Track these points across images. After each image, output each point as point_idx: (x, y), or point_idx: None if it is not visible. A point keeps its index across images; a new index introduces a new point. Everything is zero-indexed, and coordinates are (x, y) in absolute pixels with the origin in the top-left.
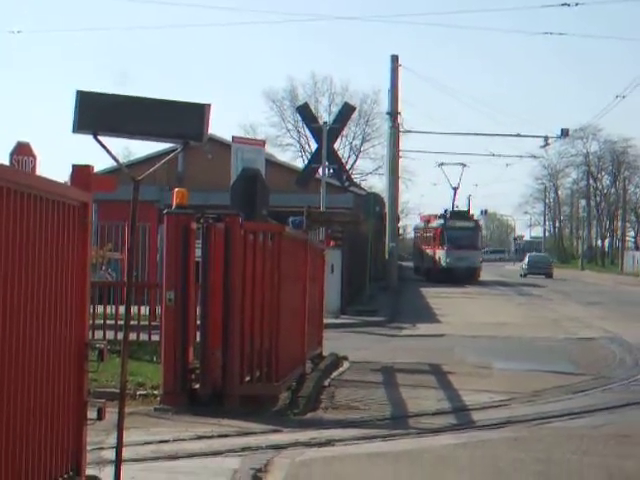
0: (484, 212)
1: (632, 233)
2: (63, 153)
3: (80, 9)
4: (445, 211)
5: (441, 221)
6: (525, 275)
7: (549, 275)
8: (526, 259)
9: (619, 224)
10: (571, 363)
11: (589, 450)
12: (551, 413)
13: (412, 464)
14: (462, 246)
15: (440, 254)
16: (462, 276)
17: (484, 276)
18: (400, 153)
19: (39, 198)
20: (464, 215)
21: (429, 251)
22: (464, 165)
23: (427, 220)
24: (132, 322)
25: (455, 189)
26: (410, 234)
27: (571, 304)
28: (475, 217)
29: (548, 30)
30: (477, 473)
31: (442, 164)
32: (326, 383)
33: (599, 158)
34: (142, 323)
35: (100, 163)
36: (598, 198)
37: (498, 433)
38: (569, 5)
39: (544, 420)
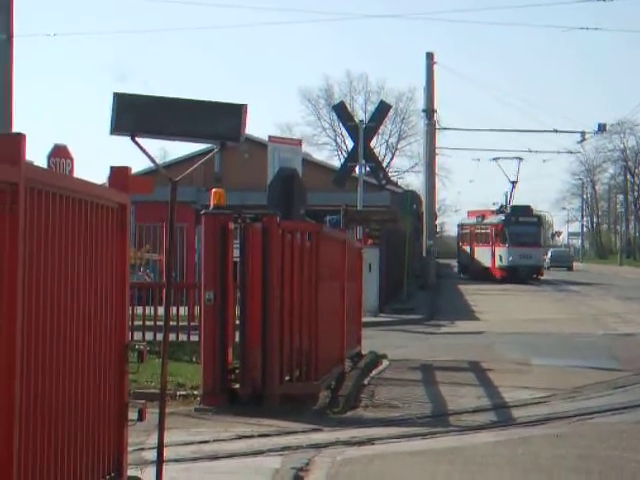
0: None
1: None
2: (99, 155)
3: (104, 12)
4: (502, 206)
5: (501, 217)
6: (548, 268)
7: (570, 268)
8: (549, 254)
9: None
10: (611, 359)
11: (630, 446)
12: (592, 409)
13: (453, 462)
14: (525, 243)
15: (501, 252)
16: (525, 275)
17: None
18: (437, 150)
19: (77, 200)
20: (526, 210)
21: (483, 249)
22: (520, 159)
23: (481, 215)
24: (171, 323)
25: (514, 183)
26: (448, 232)
27: (610, 299)
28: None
29: (584, 25)
30: (518, 470)
31: (497, 159)
32: (366, 381)
33: (636, 153)
34: (181, 324)
35: (137, 165)
36: (636, 193)
37: (539, 430)
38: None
39: (585, 416)
